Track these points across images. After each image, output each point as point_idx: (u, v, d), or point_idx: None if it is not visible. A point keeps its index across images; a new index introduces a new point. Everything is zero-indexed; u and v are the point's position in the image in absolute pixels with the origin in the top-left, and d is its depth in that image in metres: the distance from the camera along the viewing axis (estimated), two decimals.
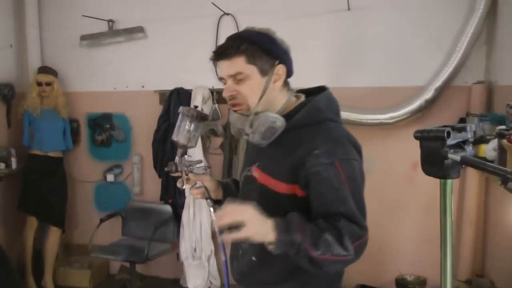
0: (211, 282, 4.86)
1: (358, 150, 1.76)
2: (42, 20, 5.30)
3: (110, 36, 5.04)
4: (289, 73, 1.83)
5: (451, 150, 1.39)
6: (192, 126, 1.87)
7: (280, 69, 1.78)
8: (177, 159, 1.90)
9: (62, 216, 4.97)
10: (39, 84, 4.87)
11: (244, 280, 1.92)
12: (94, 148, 5.31)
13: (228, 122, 4.58)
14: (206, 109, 4.65)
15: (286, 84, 1.85)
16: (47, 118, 4.88)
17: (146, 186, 5.14)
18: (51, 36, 5.32)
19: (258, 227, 1.52)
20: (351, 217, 1.61)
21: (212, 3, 4.60)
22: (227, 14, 4.72)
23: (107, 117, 5.22)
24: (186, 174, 1.91)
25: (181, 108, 1.91)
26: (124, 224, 5.00)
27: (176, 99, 4.72)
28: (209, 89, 4.71)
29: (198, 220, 4.71)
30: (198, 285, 4.77)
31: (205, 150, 4.79)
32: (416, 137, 1.46)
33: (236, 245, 1.94)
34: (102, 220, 4.72)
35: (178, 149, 1.89)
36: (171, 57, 4.90)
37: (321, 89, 1.89)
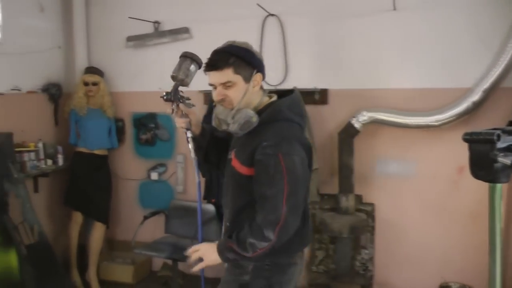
0: None
1: (306, 149, 2.27)
2: (89, 22, 5.55)
3: (156, 37, 5.22)
4: (263, 78, 2.35)
5: (501, 154, 1.39)
6: (192, 66, 2.40)
7: (258, 76, 2.30)
8: (172, 90, 2.38)
9: (106, 212, 5.17)
10: (86, 84, 5.07)
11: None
12: (138, 146, 5.49)
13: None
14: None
15: (260, 86, 2.35)
16: (93, 117, 5.08)
17: (190, 185, 5.30)
18: (98, 37, 5.55)
19: (208, 256, 2.28)
20: (274, 200, 2.12)
21: (257, 4, 4.70)
22: (272, 15, 4.81)
23: (151, 117, 5.39)
24: (177, 104, 2.40)
25: (184, 52, 2.41)
26: (167, 222, 5.16)
27: None
28: None
29: None
30: None
31: None
32: (465, 140, 1.47)
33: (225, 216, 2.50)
34: (145, 218, 4.88)
35: (175, 82, 2.39)
36: None
37: (291, 91, 2.41)
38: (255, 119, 2.22)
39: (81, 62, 5.44)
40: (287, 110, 2.29)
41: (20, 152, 4.67)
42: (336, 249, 4.66)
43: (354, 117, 4.47)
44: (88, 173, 5.02)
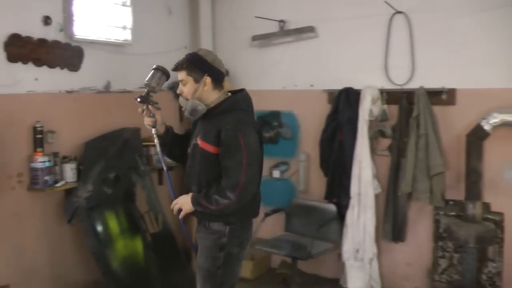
0: (371, 286, 5.07)
1: (258, 133, 3.09)
2: (215, 22, 5.99)
3: (281, 36, 5.51)
4: (216, 81, 3.08)
5: None
6: (162, 77, 3.16)
7: (208, 79, 3.03)
8: (144, 94, 3.13)
9: None
10: None
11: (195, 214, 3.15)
12: None
13: (396, 123, 4.78)
14: (375, 109, 4.88)
15: (217, 87, 3.09)
16: None
17: (311, 184, 5.52)
18: (223, 37, 5.97)
19: (185, 206, 3.04)
20: (235, 169, 2.88)
21: (385, 1, 4.83)
22: (400, 12, 4.90)
23: (275, 115, 5.68)
24: (147, 106, 3.12)
25: (156, 66, 3.17)
26: (288, 220, 5.43)
27: (345, 99, 5.01)
28: (379, 90, 4.93)
29: (362, 221, 4.94)
30: (358, 287, 5.01)
31: (372, 151, 5.00)
32: None
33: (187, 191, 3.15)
34: (266, 215, 5.16)
35: (147, 88, 3.13)
36: (340, 56, 5.22)
37: (241, 90, 3.23)
38: (200, 108, 3.01)
39: None
40: (242, 102, 3.14)
41: (147, 146, 5.12)
42: (461, 259, 4.66)
43: (484, 118, 4.43)
44: None
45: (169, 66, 5.34)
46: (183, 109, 3.12)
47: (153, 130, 3.16)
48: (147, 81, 3.15)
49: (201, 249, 3.16)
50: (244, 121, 3.01)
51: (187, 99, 3.06)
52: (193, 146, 3.12)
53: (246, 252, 3.28)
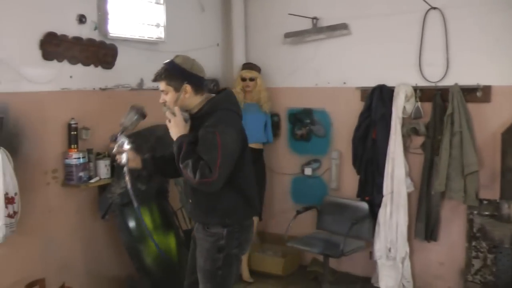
0: (403, 285, 5.03)
1: (237, 130, 3.05)
2: (248, 19, 5.99)
3: (314, 33, 5.49)
4: (197, 87, 3.09)
5: None
6: (136, 117, 3.25)
7: (187, 87, 3.04)
8: (118, 133, 3.23)
9: (261, 205, 5.48)
10: (243, 79, 5.48)
11: (193, 218, 3.39)
12: (293, 142, 5.82)
13: (430, 120, 4.72)
14: (409, 107, 4.84)
15: (198, 92, 3.10)
16: (250, 111, 5.43)
17: (343, 182, 5.50)
18: (256, 34, 5.98)
19: (173, 128, 3.05)
20: (209, 164, 2.84)
21: None
22: (434, 8, 4.84)
23: (307, 112, 5.67)
24: (119, 144, 3.19)
25: (132, 105, 3.28)
26: (320, 217, 5.42)
27: (378, 96, 4.98)
28: (412, 87, 4.88)
29: (395, 220, 4.90)
30: (390, 286, 4.99)
31: (405, 149, 4.95)
32: None
33: (186, 197, 3.29)
34: (298, 212, 5.18)
35: (121, 128, 3.23)
36: (374, 53, 5.18)
37: (224, 89, 3.25)
38: (185, 115, 3.11)
39: (239, 58, 5.89)
40: (224, 102, 3.12)
41: None
42: (495, 260, 4.58)
43: None
44: None
45: (202, 63, 5.44)
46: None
47: (124, 168, 3.21)
48: (122, 120, 3.26)
49: (200, 250, 3.20)
50: (224, 120, 3.00)
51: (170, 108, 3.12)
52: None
53: (246, 252, 3.38)
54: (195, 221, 3.29)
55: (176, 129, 3.04)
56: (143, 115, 3.27)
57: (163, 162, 3.34)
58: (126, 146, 3.21)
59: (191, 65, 3.11)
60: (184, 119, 3.08)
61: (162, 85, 3.08)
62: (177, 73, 3.06)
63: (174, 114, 3.05)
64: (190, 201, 3.22)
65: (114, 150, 3.22)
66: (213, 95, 3.20)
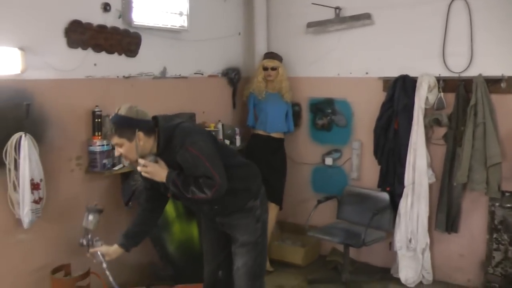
0: (423, 276, 5.02)
1: (196, 131, 3.20)
2: (270, 9, 5.96)
3: (337, 23, 5.45)
4: (148, 131, 3.06)
5: None
6: (90, 217, 3.45)
7: (140, 134, 3.02)
8: (83, 238, 3.43)
9: (281, 194, 5.53)
10: (265, 68, 5.46)
11: (225, 216, 3.37)
12: (314, 131, 5.81)
13: (453, 111, 4.70)
14: (432, 97, 4.80)
15: (150, 135, 3.08)
16: (271, 101, 5.45)
17: (364, 172, 5.48)
18: (278, 23, 5.94)
19: (156, 174, 3.07)
20: (206, 175, 2.99)
21: None
22: None
23: (329, 102, 5.66)
24: (88, 248, 3.39)
25: (87, 207, 3.47)
26: (340, 208, 5.42)
27: (401, 87, 4.94)
28: (436, 77, 4.84)
29: (416, 210, 4.88)
30: (410, 277, 4.98)
31: (427, 140, 4.92)
32: None
33: (210, 210, 3.35)
34: (319, 202, 5.19)
35: (86, 232, 3.43)
36: (397, 43, 5.14)
37: (155, 118, 3.17)
38: (151, 158, 3.08)
39: (260, 48, 5.87)
40: (166, 125, 3.12)
41: None
42: None
43: None
44: (265, 155, 5.36)
45: (222, 52, 5.48)
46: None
47: (104, 264, 3.35)
48: (83, 224, 3.45)
49: (238, 229, 3.36)
50: (182, 135, 3.08)
51: (129, 161, 3.21)
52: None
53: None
54: (228, 215, 3.38)
55: (158, 174, 3.09)
56: (99, 212, 3.49)
57: (143, 231, 3.50)
58: (97, 244, 3.42)
59: (136, 113, 3.08)
60: (155, 161, 3.10)
61: (114, 140, 3.07)
62: (126, 124, 3.04)
63: (144, 165, 3.07)
64: (216, 207, 3.30)
65: (88, 254, 3.40)
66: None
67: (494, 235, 4.70)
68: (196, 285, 3.78)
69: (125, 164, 3.28)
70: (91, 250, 3.38)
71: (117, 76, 4.48)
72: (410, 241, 4.90)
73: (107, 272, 3.37)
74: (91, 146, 4.20)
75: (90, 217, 3.45)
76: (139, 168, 3.06)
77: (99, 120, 4.23)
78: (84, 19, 4.11)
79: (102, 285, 3.98)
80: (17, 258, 3.86)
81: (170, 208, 4.46)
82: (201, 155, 3.02)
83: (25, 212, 3.68)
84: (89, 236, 3.43)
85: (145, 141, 3.07)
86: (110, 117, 3.15)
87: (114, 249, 3.39)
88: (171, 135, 3.09)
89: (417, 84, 4.84)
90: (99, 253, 3.35)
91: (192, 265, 4.37)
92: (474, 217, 4.87)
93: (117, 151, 3.13)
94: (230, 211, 3.34)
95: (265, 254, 3.58)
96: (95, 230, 3.49)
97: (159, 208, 3.52)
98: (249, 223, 3.35)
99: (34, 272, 3.94)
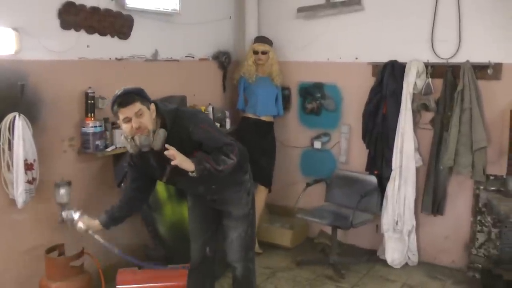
0: (409, 257, 5.11)
1: (201, 112, 3.84)
2: None
3: (327, 9, 5.46)
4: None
5: None
6: (62, 190, 3.72)
7: (152, 106, 3.09)
8: (61, 213, 3.57)
9: (270, 177, 5.57)
10: (256, 52, 5.47)
11: (215, 200, 3.51)
12: (304, 115, 5.84)
13: (440, 96, 4.77)
14: (420, 83, 4.87)
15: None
16: (261, 84, 5.46)
17: (353, 155, 5.53)
18: (269, 7, 5.94)
19: (183, 163, 2.96)
20: (225, 144, 3.13)
21: None
22: None
23: (318, 87, 5.68)
24: (70, 220, 3.48)
25: (55, 183, 3.72)
26: (328, 190, 5.48)
27: (390, 72, 4.98)
28: (424, 63, 4.88)
29: (403, 193, 4.96)
30: (396, 259, 5.07)
31: (415, 124, 4.98)
32: None
33: (206, 189, 3.41)
34: (308, 185, 5.24)
35: (58, 205, 3.65)
36: (386, 29, 5.16)
37: (155, 103, 3.17)
38: (165, 133, 3.07)
39: (251, 32, 5.88)
40: (166, 108, 3.18)
41: None
42: (500, 234, 4.64)
43: None
44: (254, 138, 5.38)
45: (213, 36, 5.48)
46: (135, 150, 3.09)
47: (90, 232, 3.47)
48: (58, 200, 3.62)
49: (231, 203, 3.50)
50: (191, 116, 3.22)
51: (147, 133, 3.03)
52: (172, 172, 3.18)
53: None
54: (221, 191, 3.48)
55: (185, 161, 2.99)
56: (68, 184, 3.69)
57: (121, 217, 3.52)
58: (75, 216, 3.48)
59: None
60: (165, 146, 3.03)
61: (136, 107, 2.98)
62: (143, 93, 3.10)
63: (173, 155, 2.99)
64: (214, 186, 3.38)
65: (69, 227, 3.52)
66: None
67: (478, 218, 4.79)
68: (188, 265, 3.81)
69: (126, 145, 3.10)
70: (72, 222, 3.49)
71: (110, 58, 4.48)
72: (396, 223, 4.97)
73: (96, 237, 3.47)
74: (84, 127, 4.20)
75: (62, 191, 3.59)
76: (167, 153, 2.95)
77: (92, 101, 4.22)
78: (77, 1, 4.10)
79: (95, 265, 4.01)
80: (11, 238, 3.88)
81: (161, 189, 4.48)
82: (213, 129, 3.24)
83: (19, 192, 3.70)
84: (66, 210, 3.54)
85: (154, 116, 3.11)
86: (121, 91, 3.05)
87: (95, 224, 3.46)
88: (175, 116, 3.14)
89: (406, 70, 4.89)
90: (80, 223, 3.45)
91: (184, 246, 4.40)
92: (459, 200, 4.95)
93: (135, 123, 3.00)
94: (224, 188, 3.44)
95: (255, 225, 3.75)
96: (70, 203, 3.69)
97: (146, 195, 3.56)
98: (241, 197, 3.50)
99: (28, 252, 3.97)
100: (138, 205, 3.60)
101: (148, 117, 3.03)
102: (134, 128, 3.01)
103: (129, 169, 3.44)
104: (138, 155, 3.20)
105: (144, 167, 3.31)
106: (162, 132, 3.05)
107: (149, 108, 3.06)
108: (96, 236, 3.45)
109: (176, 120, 3.13)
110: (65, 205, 3.55)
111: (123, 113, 3.01)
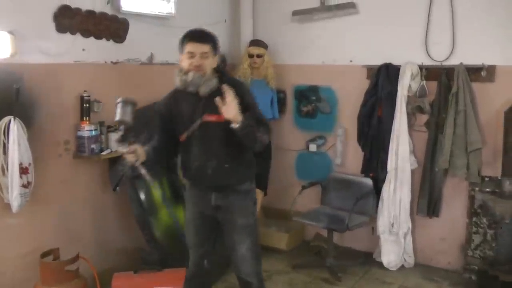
0: (405, 259, 5.10)
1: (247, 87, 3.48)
2: None
3: (322, 12, 5.47)
4: None
5: None
6: (129, 108, 3.04)
7: (215, 58, 3.14)
8: (124, 132, 3.04)
9: (265, 180, 5.56)
10: (251, 56, 5.48)
11: (220, 207, 3.31)
12: (299, 118, 5.84)
13: (435, 99, 4.78)
14: (414, 85, 4.86)
15: None
16: (256, 88, 5.40)
17: (348, 158, 5.53)
18: (264, 11, 5.95)
19: (233, 110, 2.88)
20: (267, 121, 3.16)
21: None
22: None
23: (313, 90, 5.68)
24: (128, 144, 3.01)
25: (120, 99, 3.06)
26: (324, 193, 5.47)
27: (384, 75, 4.98)
28: (418, 66, 4.88)
29: (398, 196, 4.95)
30: (392, 261, 5.06)
31: (410, 127, 4.99)
32: None
33: (220, 164, 3.21)
34: (303, 187, 5.24)
35: (123, 126, 3.05)
36: (380, 32, 5.16)
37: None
38: (217, 84, 3.06)
39: (246, 35, 5.89)
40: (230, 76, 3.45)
41: None
42: (496, 235, 4.64)
43: None
44: None
45: None
46: (183, 85, 3.09)
47: (140, 167, 3.04)
48: (119, 118, 3.04)
49: (238, 211, 3.31)
50: (242, 83, 3.47)
51: (202, 73, 3.04)
52: (202, 125, 3.14)
53: None
54: (222, 185, 3.27)
55: (236, 109, 2.91)
56: (135, 104, 3.11)
57: (164, 148, 3.33)
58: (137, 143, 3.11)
59: None
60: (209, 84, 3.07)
61: (207, 47, 3.08)
62: (217, 42, 3.19)
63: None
64: (227, 165, 3.21)
65: (127, 151, 3.01)
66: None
67: (474, 219, 4.78)
68: (183, 269, 3.79)
69: (175, 78, 3.09)
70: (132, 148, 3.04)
71: (105, 62, 4.46)
72: (392, 225, 4.97)
73: (144, 172, 3.03)
74: (79, 131, 4.19)
75: (132, 108, 3.08)
76: (225, 87, 2.90)
77: (88, 105, 4.21)
78: (73, 4, 4.08)
79: (90, 269, 4.00)
80: (6, 243, 3.84)
81: (156, 193, 4.47)
82: (256, 102, 3.25)
83: (14, 196, 3.66)
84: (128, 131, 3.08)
85: (214, 65, 3.17)
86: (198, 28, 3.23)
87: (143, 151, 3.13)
88: (233, 78, 3.47)
89: (400, 72, 4.89)
90: (138, 151, 3.05)
91: (179, 249, 4.39)
92: (455, 202, 4.95)
93: (197, 61, 3.04)
94: (230, 179, 3.26)
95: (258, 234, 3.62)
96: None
97: (171, 149, 3.39)
98: (248, 206, 3.36)
99: (23, 256, 3.94)
100: (167, 152, 3.42)
101: (210, 62, 3.10)
102: (194, 65, 3.06)
103: (160, 122, 3.34)
104: (174, 98, 3.25)
105: (170, 115, 3.26)
106: (214, 81, 3.09)
107: (214, 56, 3.14)
108: (144, 172, 3.04)
109: (233, 80, 3.27)
110: (128, 124, 3.06)
111: (192, 47, 3.07)
